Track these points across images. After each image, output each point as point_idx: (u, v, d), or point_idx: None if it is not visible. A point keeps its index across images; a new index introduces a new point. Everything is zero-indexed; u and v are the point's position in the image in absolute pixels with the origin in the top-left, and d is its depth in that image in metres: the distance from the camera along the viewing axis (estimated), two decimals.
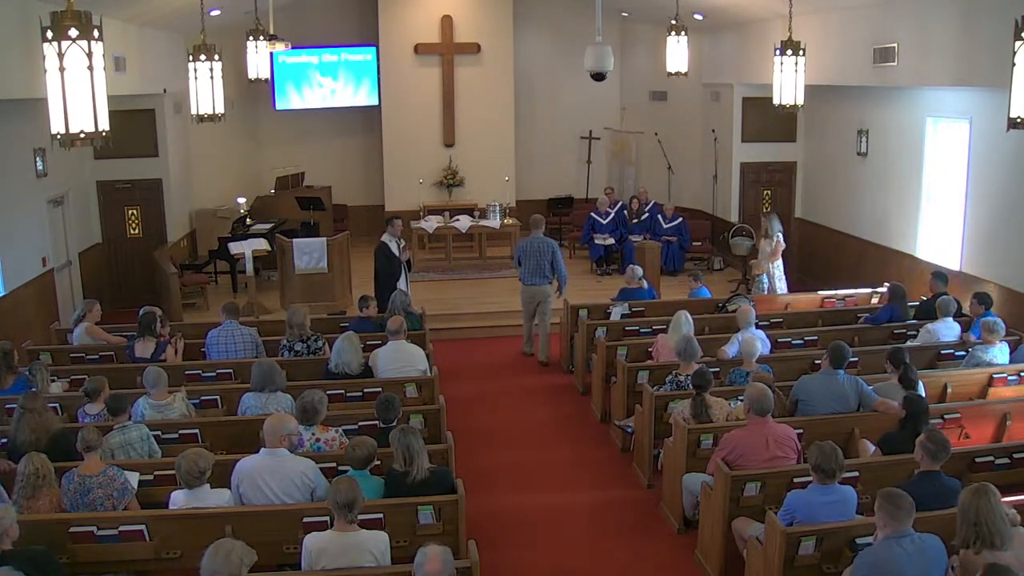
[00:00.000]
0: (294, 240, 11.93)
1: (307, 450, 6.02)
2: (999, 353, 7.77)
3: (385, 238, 10.87)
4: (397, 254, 10.81)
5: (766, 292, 11.40)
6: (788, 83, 9.23)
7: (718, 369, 7.94)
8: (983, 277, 9.82)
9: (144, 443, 6.17)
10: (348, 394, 7.33)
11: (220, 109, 9.79)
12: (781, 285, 11.66)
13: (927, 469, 5.20)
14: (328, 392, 6.61)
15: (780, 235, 11.60)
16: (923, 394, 6.61)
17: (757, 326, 8.41)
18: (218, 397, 7.32)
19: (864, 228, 12.48)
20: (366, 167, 17.04)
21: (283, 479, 5.39)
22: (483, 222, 14.76)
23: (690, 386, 7.00)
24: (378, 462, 5.65)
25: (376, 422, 6.27)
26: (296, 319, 8.30)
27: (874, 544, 4.56)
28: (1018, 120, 6.07)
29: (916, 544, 4.41)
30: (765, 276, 11.58)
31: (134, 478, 5.65)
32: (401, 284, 10.70)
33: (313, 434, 6.10)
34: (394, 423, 6.12)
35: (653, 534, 6.83)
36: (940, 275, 9.33)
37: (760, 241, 11.85)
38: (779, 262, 11.62)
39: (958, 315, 8.68)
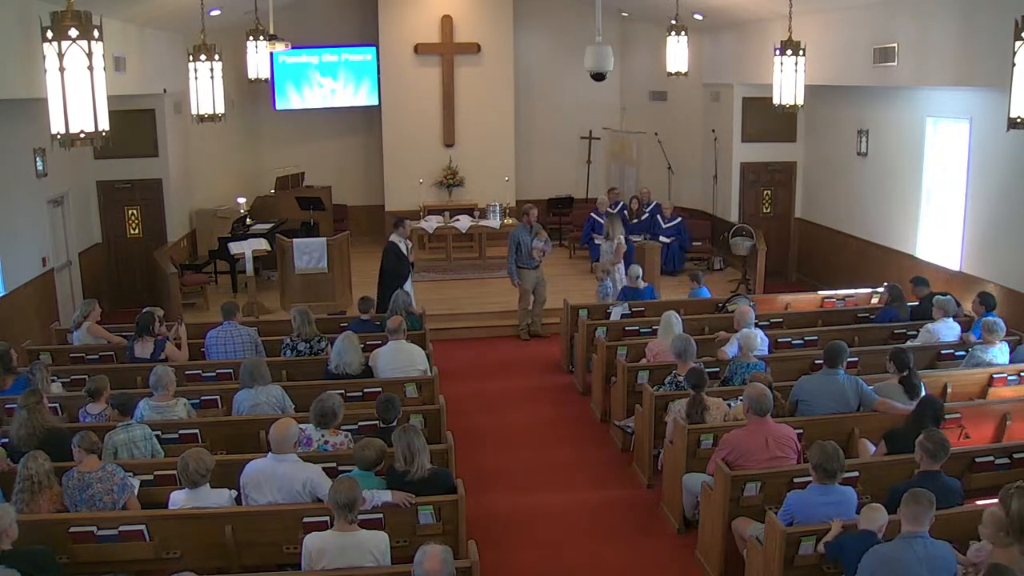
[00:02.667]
0: (294, 240, 11.92)
1: (314, 450, 6.03)
2: (999, 353, 7.76)
3: (394, 238, 10.86)
4: (407, 255, 10.80)
5: (609, 296, 11.06)
6: (788, 83, 9.23)
7: (718, 369, 7.95)
8: (983, 277, 9.82)
9: (147, 442, 6.19)
10: (348, 394, 7.32)
11: (220, 109, 9.79)
12: (620, 288, 11.37)
13: (927, 469, 5.20)
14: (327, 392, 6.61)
15: (622, 237, 11.48)
16: (912, 393, 6.60)
17: (757, 326, 8.40)
18: (218, 397, 7.33)
19: (864, 228, 12.48)
20: (366, 167, 17.04)
21: (287, 488, 5.38)
22: (483, 222, 14.77)
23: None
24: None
25: (376, 422, 6.28)
26: (301, 320, 8.30)
27: (887, 543, 4.56)
28: (1018, 120, 6.07)
29: (927, 549, 4.40)
30: (609, 280, 11.24)
31: (134, 483, 5.66)
32: (407, 286, 10.69)
33: (323, 436, 6.11)
34: (394, 423, 6.12)
35: (653, 534, 6.83)
36: (920, 279, 9.46)
37: (604, 242, 11.52)
38: (620, 264, 11.41)
39: (958, 315, 8.69)
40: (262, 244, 12.69)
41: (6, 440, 6.07)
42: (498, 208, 14.86)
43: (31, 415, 5.96)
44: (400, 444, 5.42)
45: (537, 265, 11.40)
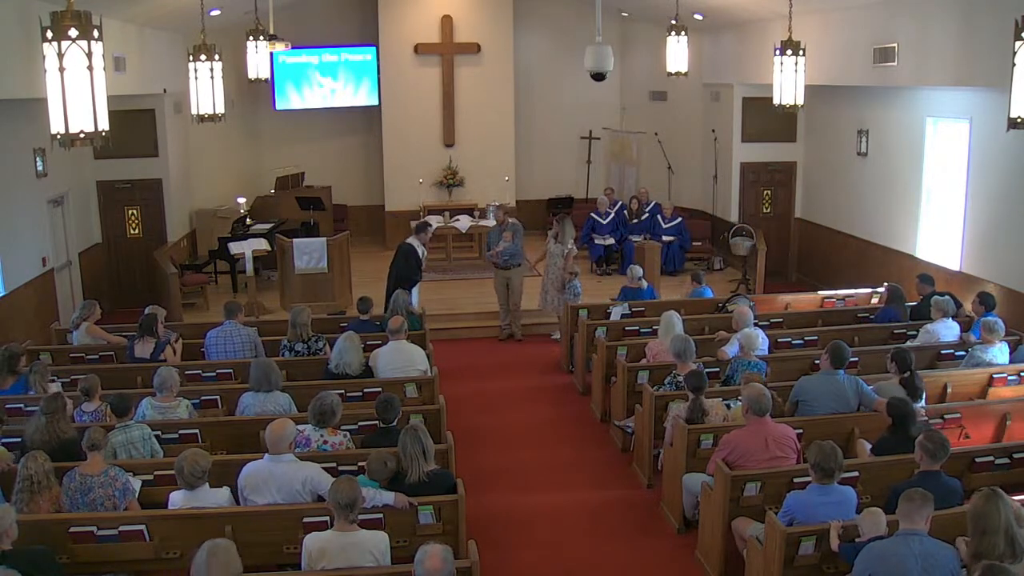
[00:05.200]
0: (294, 240, 11.93)
1: (313, 450, 6.03)
2: (999, 353, 7.76)
3: (412, 241, 10.80)
4: (422, 260, 10.77)
5: (579, 297, 10.86)
6: (788, 83, 9.23)
7: (718, 369, 7.95)
8: (983, 277, 9.82)
9: (146, 442, 6.18)
10: (348, 394, 7.32)
11: (220, 109, 9.78)
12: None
13: (927, 469, 5.20)
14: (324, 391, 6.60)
15: (572, 243, 11.42)
16: (913, 395, 6.60)
17: (756, 326, 8.40)
18: (218, 397, 7.32)
19: (864, 228, 12.48)
20: (366, 167, 17.04)
21: (287, 488, 5.38)
22: (483, 222, 14.77)
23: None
24: None
25: (376, 422, 6.28)
26: (300, 319, 8.30)
27: (883, 540, 4.56)
28: (1018, 120, 6.07)
29: (923, 546, 4.40)
30: (577, 280, 11.08)
31: (136, 483, 5.65)
32: (416, 291, 10.69)
33: (322, 435, 6.11)
34: (394, 423, 6.13)
35: (653, 534, 6.83)
36: (926, 277, 9.44)
37: (553, 244, 11.36)
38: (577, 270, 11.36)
39: (958, 315, 8.68)
40: (262, 244, 12.69)
41: (8, 440, 6.07)
42: (498, 208, 14.85)
43: (49, 423, 5.89)
44: (400, 444, 5.45)
45: (506, 267, 11.32)
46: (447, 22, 16.01)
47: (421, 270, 10.83)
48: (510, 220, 11.60)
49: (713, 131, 15.05)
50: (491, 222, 14.71)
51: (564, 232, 11.32)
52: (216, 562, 4.01)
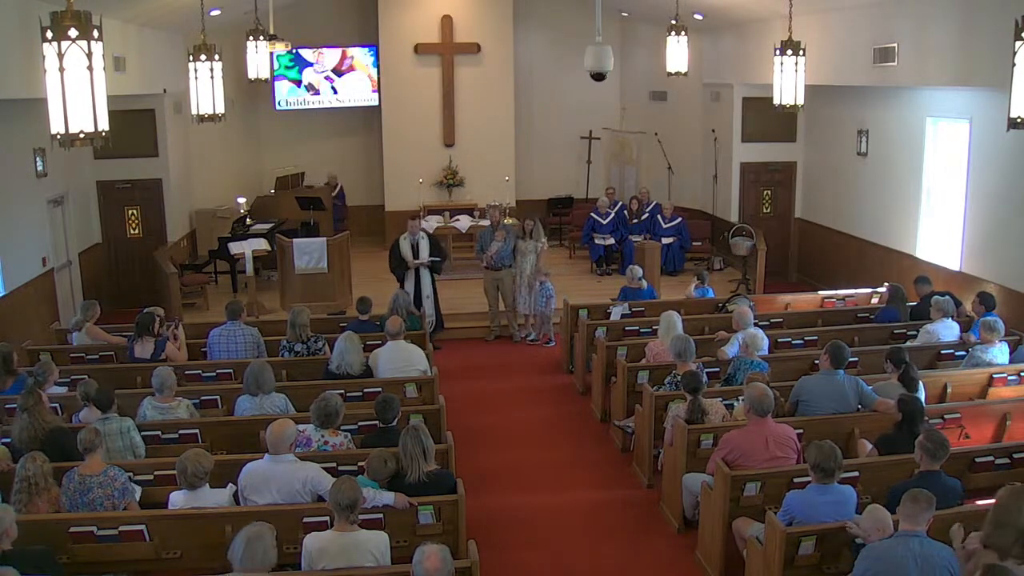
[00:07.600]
0: (294, 240, 11.91)
1: (313, 450, 6.03)
2: (999, 353, 7.76)
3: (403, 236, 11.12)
4: (409, 254, 10.88)
5: (553, 298, 10.98)
6: (788, 83, 9.22)
7: (718, 369, 7.95)
8: (983, 277, 9.82)
9: (125, 435, 6.16)
10: (348, 394, 7.32)
11: (220, 109, 9.77)
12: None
13: (927, 469, 5.20)
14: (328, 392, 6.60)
15: (545, 240, 11.47)
16: (921, 394, 6.61)
17: (756, 326, 8.40)
18: (218, 397, 7.33)
19: (864, 228, 12.48)
20: (366, 167, 17.04)
21: (287, 488, 5.39)
22: (483, 222, 14.73)
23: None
24: None
25: (376, 422, 6.28)
26: (299, 320, 8.29)
27: (883, 540, 4.56)
28: (1018, 120, 6.06)
29: (923, 547, 4.40)
30: (549, 281, 11.20)
31: (133, 486, 5.65)
32: (408, 284, 10.77)
33: (323, 436, 6.11)
34: (393, 423, 6.13)
35: (653, 534, 6.83)
36: (923, 279, 9.49)
37: (527, 242, 11.45)
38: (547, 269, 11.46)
39: (958, 315, 8.68)
40: (262, 244, 12.69)
41: (8, 440, 6.07)
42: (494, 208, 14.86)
43: (32, 417, 5.92)
44: (400, 444, 5.45)
45: (496, 268, 11.37)
46: (447, 22, 16.01)
47: (397, 261, 11.02)
48: (504, 221, 11.63)
49: (713, 131, 15.05)
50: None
51: (537, 229, 11.46)
52: (250, 552, 4.18)
